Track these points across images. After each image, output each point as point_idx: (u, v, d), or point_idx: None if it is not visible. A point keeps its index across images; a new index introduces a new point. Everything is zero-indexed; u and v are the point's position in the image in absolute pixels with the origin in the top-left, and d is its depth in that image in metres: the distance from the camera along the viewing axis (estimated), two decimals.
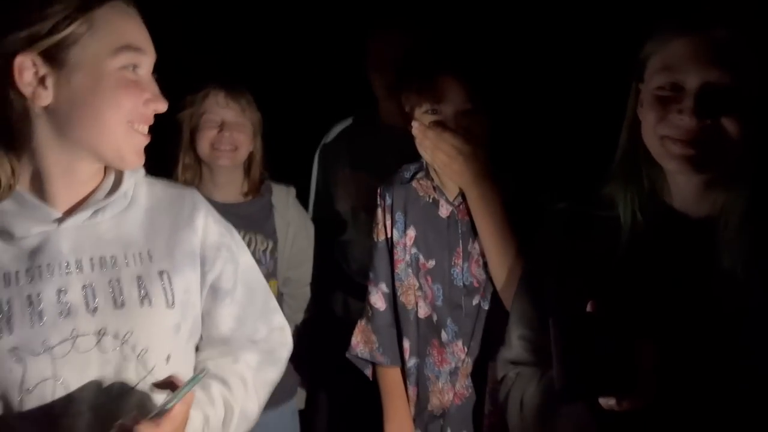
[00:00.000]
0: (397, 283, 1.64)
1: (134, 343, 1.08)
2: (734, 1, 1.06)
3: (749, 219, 1.04)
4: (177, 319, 1.14)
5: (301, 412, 2.14)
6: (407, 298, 1.63)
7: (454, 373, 1.55)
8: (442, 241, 1.56)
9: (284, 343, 1.36)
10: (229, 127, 1.93)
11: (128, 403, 1.07)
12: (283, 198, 2.07)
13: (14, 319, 1.01)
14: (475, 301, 1.53)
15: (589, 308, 0.99)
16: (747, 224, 1.04)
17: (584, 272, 1.14)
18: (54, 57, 1.00)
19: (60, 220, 1.07)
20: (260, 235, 2.00)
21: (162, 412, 0.98)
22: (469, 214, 1.50)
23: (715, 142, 1.01)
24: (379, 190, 1.69)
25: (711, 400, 1.01)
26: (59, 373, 1.03)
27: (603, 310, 0.98)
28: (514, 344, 1.25)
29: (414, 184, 1.63)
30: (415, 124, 1.48)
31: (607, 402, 0.97)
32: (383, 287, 1.68)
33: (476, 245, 1.50)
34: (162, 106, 1.10)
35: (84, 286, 1.07)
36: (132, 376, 1.08)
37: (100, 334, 1.06)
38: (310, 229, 2.11)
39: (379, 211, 1.68)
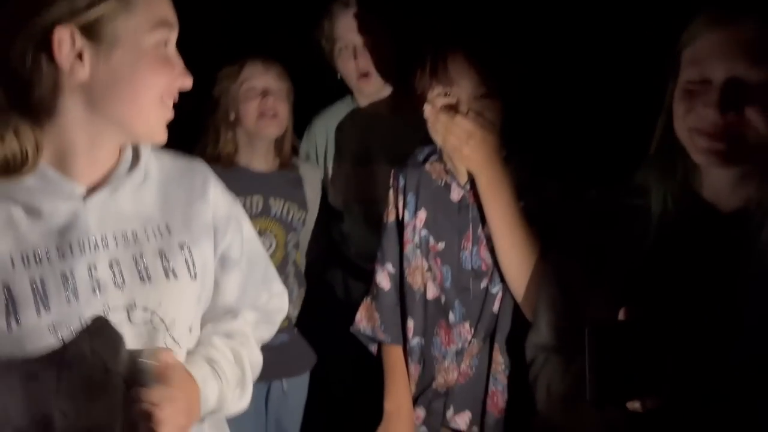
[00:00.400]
0: (404, 264, 1.66)
1: (163, 315, 1.10)
2: None
3: None
4: (198, 290, 1.17)
5: None
6: (414, 279, 1.65)
7: (460, 354, 1.58)
8: (453, 225, 1.58)
9: (281, 309, 1.41)
10: (273, 93, 1.95)
11: None
12: (310, 172, 2.13)
13: (50, 297, 1.02)
14: (483, 285, 1.55)
15: (621, 316, 1.01)
16: None
17: (613, 264, 1.15)
18: (92, 31, 0.99)
19: (85, 197, 1.07)
20: (295, 204, 2.05)
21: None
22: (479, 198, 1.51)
23: (743, 136, 1.02)
24: (392, 172, 1.70)
25: (739, 397, 1.03)
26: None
27: (634, 315, 1.00)
28: (543, 330, 1.28)
29: (427, 166, 1.64)
30: (427, 107, 1.48)
31: (632, 404, 0.99)
32: (389, 267, 1.70)
33: (486, 230, 1.52)
34: (189, 82, 1.10)
35: (110, 262, 1.07)
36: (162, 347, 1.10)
37: (130, 308, 1.07)
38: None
39: (392, 192, 1.69)
